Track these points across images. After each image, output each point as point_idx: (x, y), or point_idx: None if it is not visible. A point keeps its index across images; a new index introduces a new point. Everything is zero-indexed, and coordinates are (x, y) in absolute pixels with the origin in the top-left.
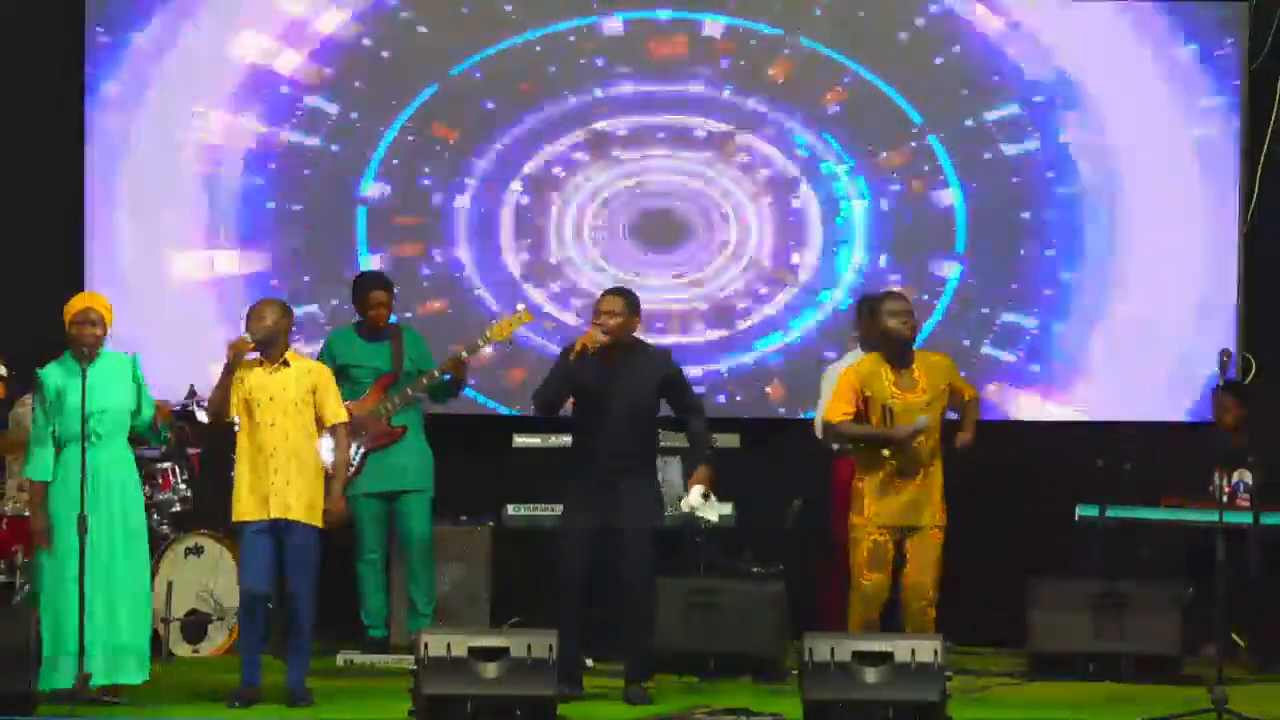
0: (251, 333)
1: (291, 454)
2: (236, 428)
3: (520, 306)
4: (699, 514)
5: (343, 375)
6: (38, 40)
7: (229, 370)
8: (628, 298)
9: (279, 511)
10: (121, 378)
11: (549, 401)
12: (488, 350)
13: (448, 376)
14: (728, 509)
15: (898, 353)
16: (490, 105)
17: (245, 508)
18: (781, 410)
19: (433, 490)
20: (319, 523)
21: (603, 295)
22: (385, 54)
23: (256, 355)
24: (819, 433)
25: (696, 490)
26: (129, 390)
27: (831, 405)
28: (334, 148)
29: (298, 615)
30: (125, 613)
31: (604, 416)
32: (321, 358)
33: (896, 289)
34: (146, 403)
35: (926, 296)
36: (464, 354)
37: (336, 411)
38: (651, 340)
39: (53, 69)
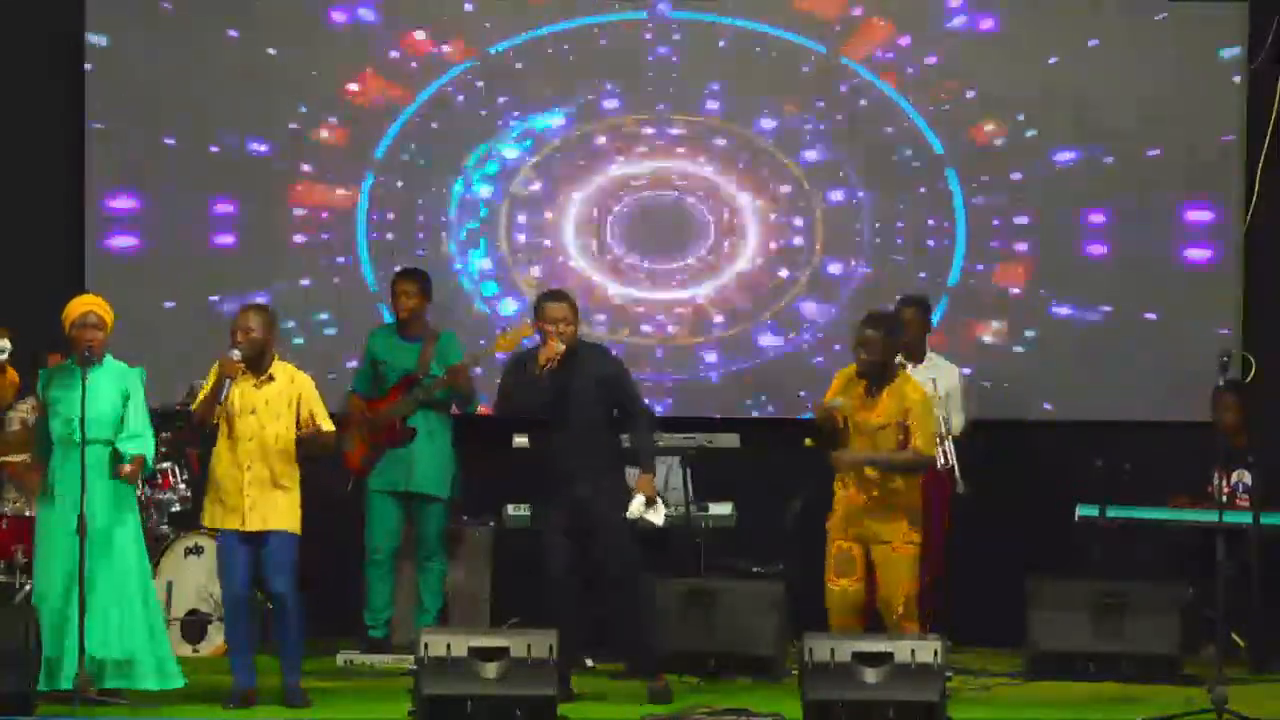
0: (240, 349)
1: (271, 467)
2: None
3: (526, 319)
4: (644, 519)
5: (375, 371)
6: (37, 39)
7: (217, 390)
8: (571, 301)
9: (257, 525)
10: (118, 388)
11: (513, 413)
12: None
13: (446, 389)
14: (726, 507)
15: (868, 376)
16: (492, 105)
17: (222, 518)
18: (779, 410)
19: (450, 495)
20: (296, 529)
21: (545, 303)
22: (389, 54)
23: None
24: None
25: (638, 499)
26: (123, 400)
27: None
28: (336, 146)
29: (285, 617)
30: (122, 620)
31: (557, 420)
32: (365, 353)
33: (879, 312)
34: (132, 420)
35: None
36: (465, 364)
37: (324, 418)
38: (653, 341)
39: (51, 68)
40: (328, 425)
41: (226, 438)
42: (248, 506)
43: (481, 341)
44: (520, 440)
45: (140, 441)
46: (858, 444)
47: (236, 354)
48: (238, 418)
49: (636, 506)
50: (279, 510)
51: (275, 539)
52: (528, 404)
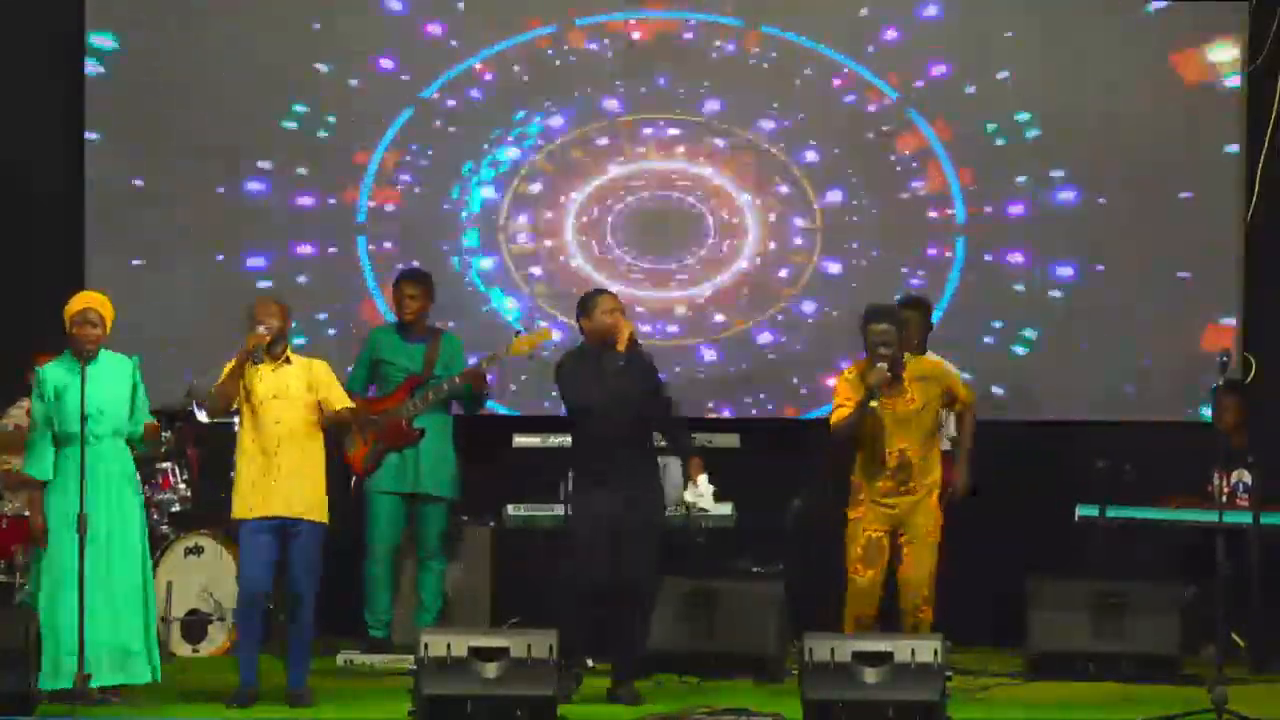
0: (267, 327)
1: (296, 451)
2: (237, 425)
3: (542, 324)
4: (698, 505)
5: (377, 371)
6: (37, 38)
7: (241, 365)
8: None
9: (283, 510)
10: (120, 379)
11: (574, 407)
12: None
13: (466, 387)
14: (726, 507)
15: (892, 370)
16: (493, 105)
17: (248, 506)
18: (776, 409)
19: (453, 496)
20: (324, 519)
21: (599, 296)
22: (388, 52)
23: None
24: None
25: (703, 479)
26: (127, 392)
27: (835, 411)
28: (335, 145)
29: (300, 615)
30: (124, 613)
31: (613, 417)
32: (362, 351)
33: (884, 306)
34: (141, 408)
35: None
36: (483, 366)
37: (341, 397)
38: (653, 341)
39: (51, 68)
40: (344, 403)
41: (251, 427)
42: (278, 492)
43: (497, 356)
44: (521, 440)
45: (141, 420)
46: (901, 435)
47: (263, 329)
48: (261, 405)
49: (704, 486)
50: (308, 497)
51: (304, 529)
52: (589, 397)
